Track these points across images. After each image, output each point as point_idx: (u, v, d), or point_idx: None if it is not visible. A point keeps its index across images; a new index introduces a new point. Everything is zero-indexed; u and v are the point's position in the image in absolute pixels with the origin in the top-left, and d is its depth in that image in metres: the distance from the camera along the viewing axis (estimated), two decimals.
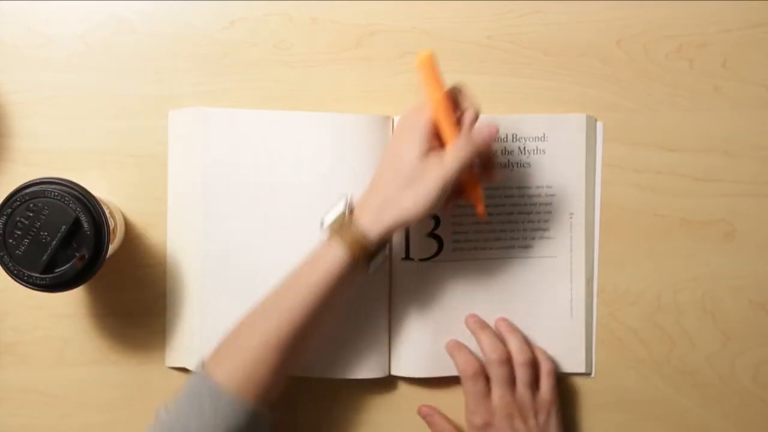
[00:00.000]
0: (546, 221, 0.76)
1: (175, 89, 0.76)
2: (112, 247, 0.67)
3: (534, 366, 0.73)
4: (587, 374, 0.77)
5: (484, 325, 0.75)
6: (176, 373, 0.75)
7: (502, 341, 0.74)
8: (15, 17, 0.75)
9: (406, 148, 0.65)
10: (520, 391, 0.72)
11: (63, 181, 0.65)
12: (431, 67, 0.66)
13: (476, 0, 0.77)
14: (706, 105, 0.78)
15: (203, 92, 0.76)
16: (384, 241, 0.67)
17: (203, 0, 0.76)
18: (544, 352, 0.75)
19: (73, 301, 0.76)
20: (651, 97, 0.77)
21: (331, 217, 0.68)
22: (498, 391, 0.72)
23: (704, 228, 0.78)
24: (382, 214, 0.65)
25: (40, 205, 0.63)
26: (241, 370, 0.64)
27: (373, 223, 0.65)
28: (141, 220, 0.76)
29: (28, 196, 0.63)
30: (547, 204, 0.76)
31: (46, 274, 0.64)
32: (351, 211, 0.67)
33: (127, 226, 0.75)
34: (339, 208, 0.68)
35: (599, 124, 0.77)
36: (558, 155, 0.76)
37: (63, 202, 0.63)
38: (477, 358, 0.74)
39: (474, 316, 0.76)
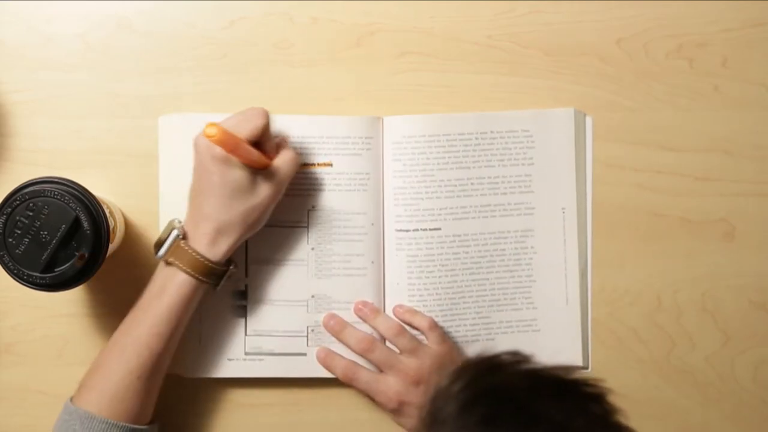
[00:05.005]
0: (538, 216, 0.76)
1: (176, 89, 0.76)
2: (111, 247, 0.67)
3: (407, 333, 0.74)
4: (584, 368, 0.77)
5: (340, 328, 0.74)
6: (174, 375, 0.75)
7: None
8: (15, 17, 0.75)
9: (227, 175, 0.66)
10: (405, 360, 0.72)
11: (63, 180, 0.65)
12: (226, 135, 0.64)
13: (476, 0, 0.77)
14: (706, 105, 0.78)
15: (203, 92, 0.76)
16: (228, 260, 0.70)
17: (203, 0, 0.76)
18: (418, 312, 0.75)
19: (72, 300, 0.76)
20: (651, 97, 0.77)
21: (164, 248, 0.68)
22: (389, 372, 0.72)
23: (704, 228, 0.78)
24: (219, 239, 0.68)
25: (39, 204, 0.63)
26: (107, 398, 0.66)
27: (211, 248, 0.68)
28: (141, 220, 0.76)
29: (28, 195, 0.63)
30: (538, 198, 0.76)
31: (46, 274, 0.64)
32: (184, 237, 0.68)
33: (127, 225, 0.75)
34: (170, 237, 0.68)
35: (589, 120, 0.77)
36: (547, 149, 0.76)
37: (63, 201, 0.63)
38: (348, 360, 0.74)
39: (332, 317, 0.75)
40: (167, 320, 0.67)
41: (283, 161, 0.69)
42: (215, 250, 0.68)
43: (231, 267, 0.71)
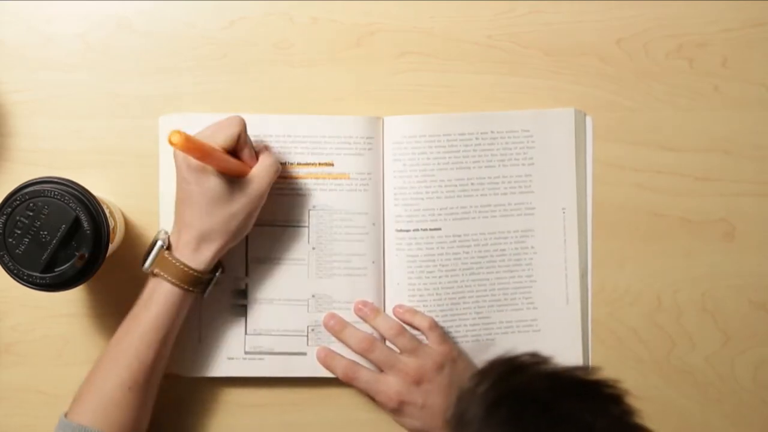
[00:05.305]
0: (539, 216, 0.76)
1: (175, 89, 0.76)
2: (111, 247, 0.67)
3: (407, 333, 0.74)
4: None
5: (341, 328, 0.75)
6: (174, 374, 0.75)
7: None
8: (15, 17, 0.75)
9: (203, 183, 0.67)
10: (405, 360, 0.73)
11: (63, 180, 0.65)
12: (189, 141, 0.62)
13: (476, 0, 0.77)
14: (706, 105, 0.78)
15: (203, 92, 0.76)
16: (214, 268, 0.71)
17: (203, 0, 0.76)
18: (418, 312, 0.75)
19: (72, 300, 0.76)
20: (651, 97, 0.77)
21: (148, 261, 0.69)
22: (389, 372, 0.73)
23: (704, 228, 0.78)
24: (202, 247, 0.68)
25: (40, 204, 0.63)
26: (101, 410, 0.66)
27: (195, 256, 0.68)
28: (141, 220, 0.76)
29: (28, 195, 0.63)
30: (539, 199, 0.76)
31: (46, 274, 0.64)
32: (168, 247, 0.69)
33: (127, 225, 0.75)
34: (155, 249, 0.69)
35: (589, 120, 0.77)
36: (548, 149, 0.76)
37: (63, 201, 0.63)
38: (348, 360, 0.74)
39: (332, 317, 0.75)
40: (155, 330, 0.67)
41: (261, 168, 0.70)
42: (199, 258, 0.68)
43: (218, 273, 0.72)
